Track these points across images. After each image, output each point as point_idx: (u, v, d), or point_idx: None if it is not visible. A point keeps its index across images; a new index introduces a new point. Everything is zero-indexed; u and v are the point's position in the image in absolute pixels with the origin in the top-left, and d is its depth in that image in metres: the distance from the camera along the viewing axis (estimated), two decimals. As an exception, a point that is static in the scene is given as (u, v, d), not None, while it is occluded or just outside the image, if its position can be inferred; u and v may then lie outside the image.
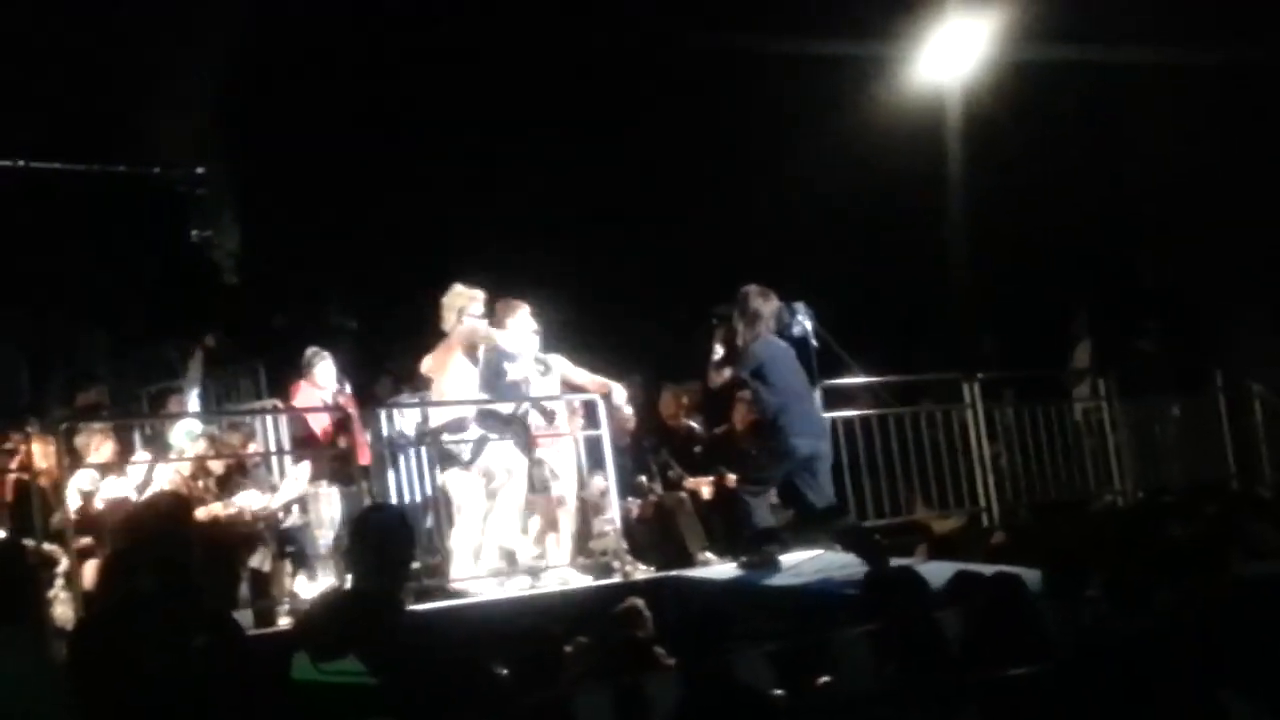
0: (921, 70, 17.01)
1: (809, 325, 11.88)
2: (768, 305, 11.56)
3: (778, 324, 11.65)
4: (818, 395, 12.20)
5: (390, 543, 5.88)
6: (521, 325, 12.01)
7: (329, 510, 11.59)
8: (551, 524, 12.15)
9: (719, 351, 11.76)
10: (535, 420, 12.05)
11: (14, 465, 10.46)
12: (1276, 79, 16.06)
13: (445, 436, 11.54)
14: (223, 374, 15.77)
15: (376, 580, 5.76)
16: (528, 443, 11.81)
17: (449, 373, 11.65)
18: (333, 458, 11.87)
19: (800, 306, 11.91)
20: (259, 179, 18.86)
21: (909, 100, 17.30)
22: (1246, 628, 5.77)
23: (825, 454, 11.74)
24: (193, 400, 14.44)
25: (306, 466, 12.04)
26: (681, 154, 18.30)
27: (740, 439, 14.54)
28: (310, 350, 12.68)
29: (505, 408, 11.82)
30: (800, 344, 11.76)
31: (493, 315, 11.92)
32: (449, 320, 11.70)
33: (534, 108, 18.19)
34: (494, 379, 11.84)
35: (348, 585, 6.23)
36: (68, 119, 16.85)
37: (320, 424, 12.27)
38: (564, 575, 11.75)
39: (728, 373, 11.73)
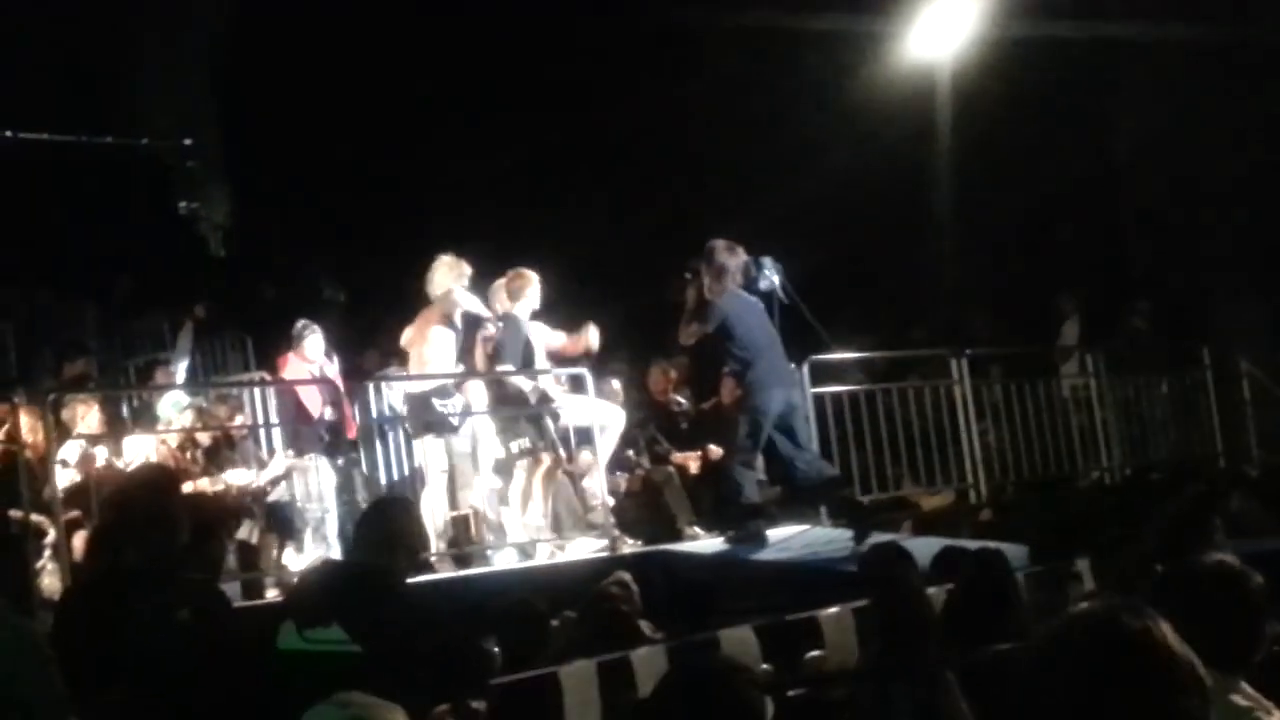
0: (911, 46, 16.97)
1: (776, 280, 11.80)
2: (734, 259, 11.53)
3: (745, 278, 11.62)
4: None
5: (401, 536, 5.90)
6: (534, 296, 12.08)
7: (317, 483, 11.58)
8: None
9: (689, 307, 11.75)
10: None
11: (1, 437, 10.43)
12: (1267, 56, 16.05)
13: (436, 401, 11.56)
14: (210, 346, 15.76)
15: (364, 551, 5.76)
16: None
17: (430, 342, 11.66)
18: (323, 431, 11.87)
19: (768, 261, 11.84)
20: (247, 151, 18.82)
21: (898, 77, 17.26)
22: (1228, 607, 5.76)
23: (798, 404, 11.81)
24: (181, 372, 14.41)
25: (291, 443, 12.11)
26: (668, 129, 18.27)
27: (728, 413, 14.58)
28: (300, 323, 12.65)
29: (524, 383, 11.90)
30: (767, 298, 11.70)
31: (507, 287, 11.99)
32: (434, 291, 11.70)
33: (523, 79, 18.16)
34: (520, 350, 11.92)
35: (344, 560, 6.22)
36: (55, 90, 16.80)
37: (310, 397, 12.23)
38: (551, 549, 11.78)
39: (695, 328, 11.70)
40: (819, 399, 12.93)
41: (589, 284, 15.88)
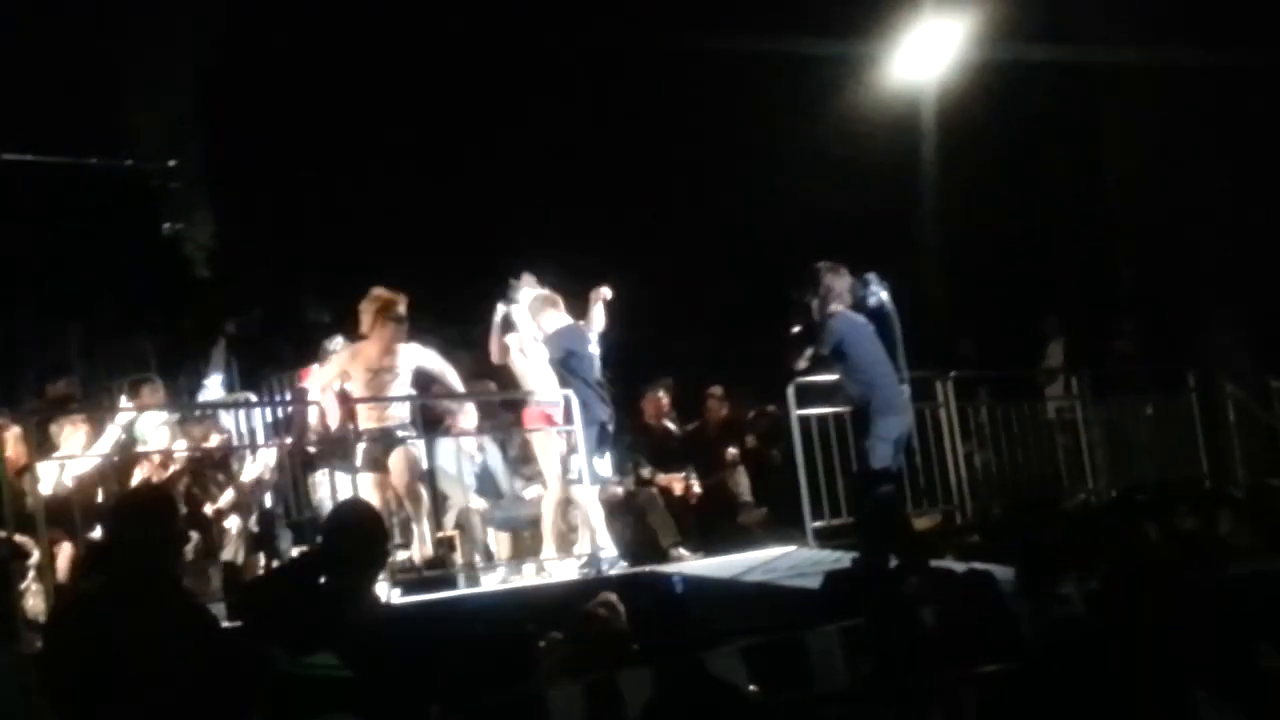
0: (896, 70, 17.00)
1: (884, 295, 11.38)
2: (840, 280, 11.12)
3: (852, 298, 11.21)
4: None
5: (364, 538, 5.87)
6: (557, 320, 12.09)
7: (329, 497, 11.52)
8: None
9: (795, 332, 11.30)
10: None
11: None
12: (1250, 78, 16.09)
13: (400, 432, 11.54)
14: (194, 367, 15.70)
15: (349, 573, 5.75)
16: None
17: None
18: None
19: (873, 277, 11.41)
20: (231, 173, 18.77)
21: (883, 100, 17.30)
22: (1219, 628, 5.78)
23: (910, 427, 11.52)
24: (216, 387, 14.32)
25: (272, 450, 12.10)
26: (652, 152, 18.26)
27: (711, 435, 14.61)
28: (338, 340, 12.53)
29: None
30: (877, 315, 11.29)
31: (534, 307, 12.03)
32: (365, 323, 11.52)
33: (509, 104, 18.15)
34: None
35: (324, 579, 6.19)
36: (38, 112, 16.75)
37: (330, 410, 12.06)
38: (537, 570, 11.77)
39: (809, 352, 11.27)
40: (804, 421, 12.92)
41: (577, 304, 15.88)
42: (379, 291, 11.48)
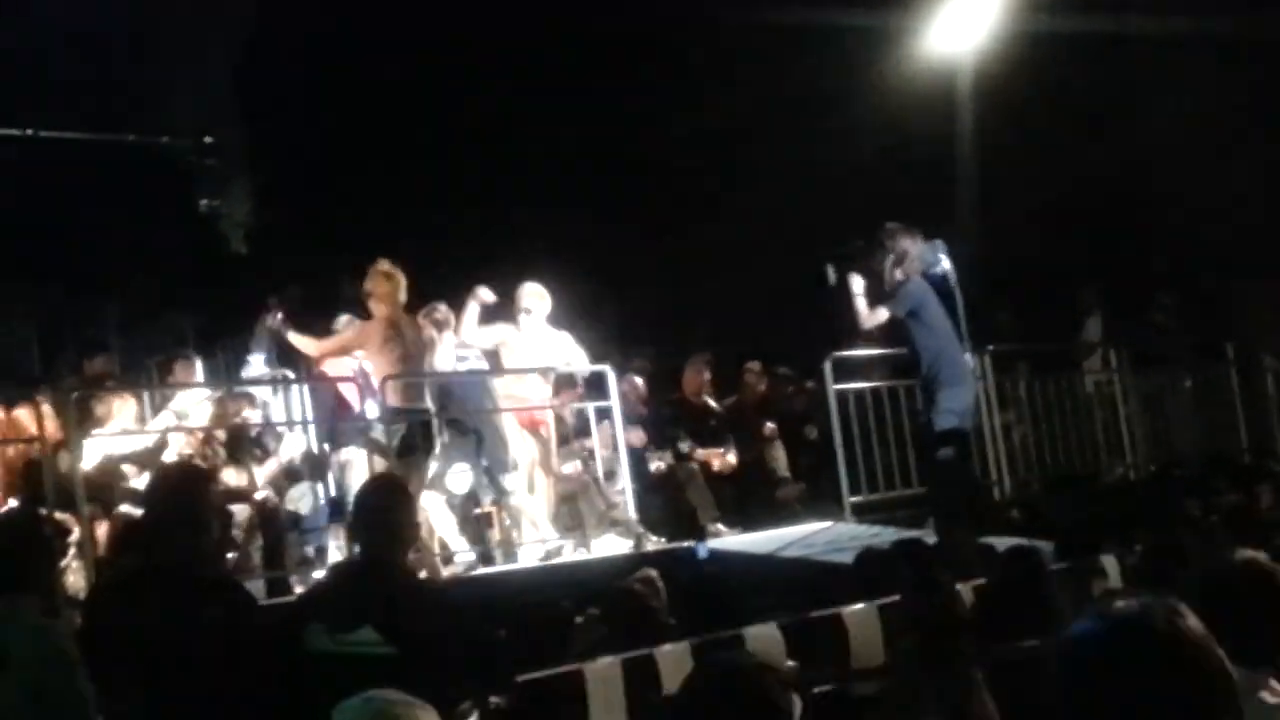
0: (932, 42, 16.91)
1: (948, 265, 11.18)
2: (915, 244, 10.91)
3: (922, 264, 10.99)
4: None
5: (393, 512, 5.88)
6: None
7: (356, 476, 11.52)
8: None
9: (858, 290, 11.01)
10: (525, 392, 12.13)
11: (26, 435, 10.42)
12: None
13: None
14: (231, 344, 15.71)
15: (382, 549, 5.76)
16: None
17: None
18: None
19: (939, 243, 11.21)
20: (268, 149, 18.80)
21: (920, 71, 17.20)
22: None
23: (974, 402, 11.26)
24: (259, 364, 14.33)
25: (299, 434, 12.16)
26: (687, 125, 18.21)
27: (749, 410, 14.58)
28: (344, 319, 12.52)
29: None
30: (940, 284, 11.11)
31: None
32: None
33: (545, 79, 18.11)
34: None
35: (357, 556, 6.22)
36: (74, 88, 16.79)
37: (349, 390, 12.08)
38: (576, 546, 11.77)
39: (883, 313, 11.01)
40: (841, 395, 12.90)
41: (613, 280, 15.88)
42: (385, 266, 11.29)
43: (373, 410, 11.36)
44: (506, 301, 12.16)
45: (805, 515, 13.08)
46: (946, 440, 10.81)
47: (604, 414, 12.36)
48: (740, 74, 17.90)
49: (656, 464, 13.20)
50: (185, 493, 5.75)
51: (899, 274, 10.87)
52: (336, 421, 11.98)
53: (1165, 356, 15.76)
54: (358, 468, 11.19)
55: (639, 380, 13.82)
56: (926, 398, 11.06)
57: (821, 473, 13.71)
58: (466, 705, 6.05)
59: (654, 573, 8.46)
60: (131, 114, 18.01)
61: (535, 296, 12.07)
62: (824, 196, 17.12)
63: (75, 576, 9.50)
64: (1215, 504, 11.58)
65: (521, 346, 12.11)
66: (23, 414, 10.64)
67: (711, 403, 14.35)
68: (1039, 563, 7.15)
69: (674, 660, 6.87)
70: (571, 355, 12.32)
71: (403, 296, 11.12)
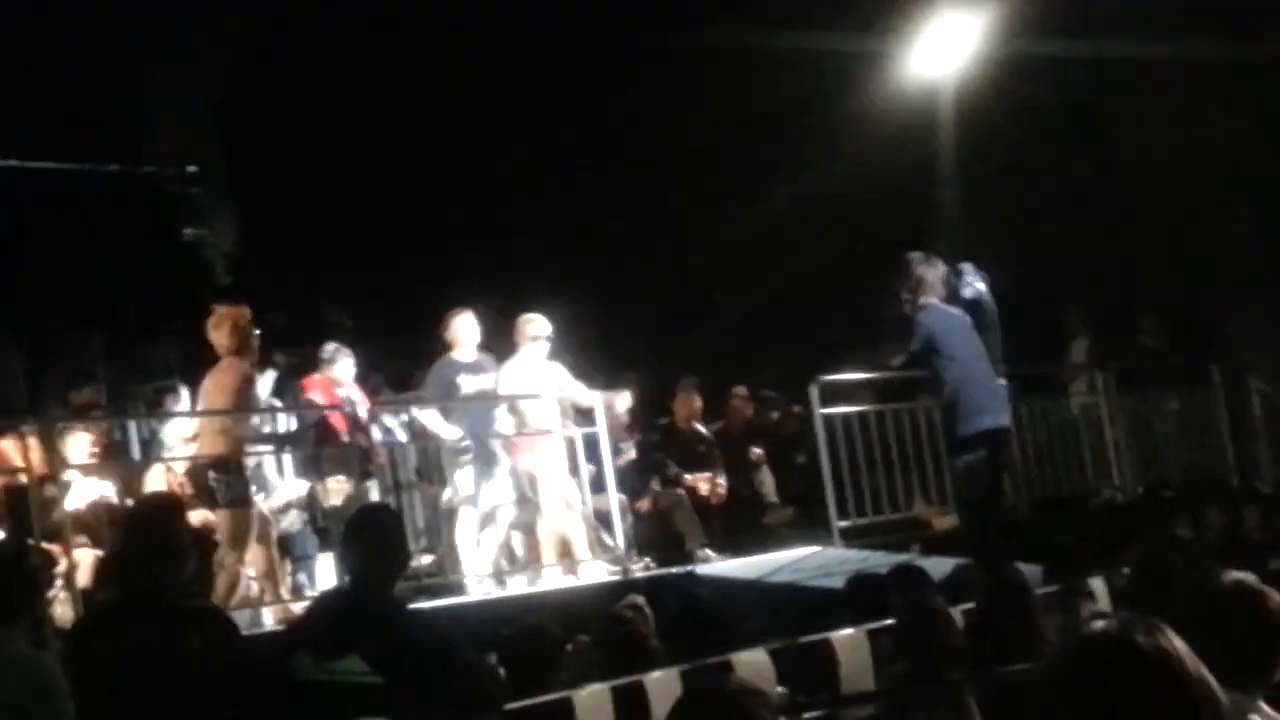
0: (913, 65, 16.94)
1: (981, 286, 11.00)
2: (933, 271, 10.76)
3: (946, 290, 10.85)
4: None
5: (384, 541, 5.87)
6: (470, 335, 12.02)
7: (340, 505, 11.49)
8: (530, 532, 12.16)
9: (890, 324, 10.91)
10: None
11: (10, 465, 10.38)
12: (1271, 71, 16.02)
13: None
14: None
15: (371, 578, 5.74)
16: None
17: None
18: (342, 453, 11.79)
19: (969, 267, 11.06)
20: (252, 178, 18.81)
21: (901, 96, 17.23)
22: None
23: (1007, 425, 11.07)
24: (266, 387, 14.20)
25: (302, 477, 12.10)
26: (668, 148, 18.23)
27: (736, 435, 14.58)
28: (331, 346, 12.47)
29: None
30: (973, 307, 10.89)
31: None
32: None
33: (532, 106, 18.15)
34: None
35: (345, 585, 6.20)
36: (59, 118, 16.79)
37: (336, 419, 12.05)
38: (563, 573, 11.76)
39: (898, 347, 10.94)
40: (829, 420, 12.90)
41: (603, 303, 15.88)
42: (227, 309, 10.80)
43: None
44: (500, 331, 12.18)
45: (794, 540, 13.06)
46: (971, 474, 10.69)
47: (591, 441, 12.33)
48: (724, 100, 17.94)
49: (639, 496, 13.18)
50: (159, 523, 5.73)
51: (914, 306, 10.71)
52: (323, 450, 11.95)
53: (1151, 379, 15.78)
54: (343, 497, 11.18)
55: (627, 395, 13.74)
56: (947, 428, 11.01)
57: (810, 497, 13.69)
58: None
59: (641, 599, 8.44)
60: (116, 144, 18.01)
61: (540, 326, 12.05)
62: (805, 220, 17.18)
63: (63, 608, 9.46)
64: (1203, 526, 11.59)
65: (532, 378, 12.13)
66: (8, 445, 10.60)
67: (701, 428, 14.34)
68: (1025, 586, 7.15)
69: (663, 686, 6.84)
70: (568, 385, 12.31)
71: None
